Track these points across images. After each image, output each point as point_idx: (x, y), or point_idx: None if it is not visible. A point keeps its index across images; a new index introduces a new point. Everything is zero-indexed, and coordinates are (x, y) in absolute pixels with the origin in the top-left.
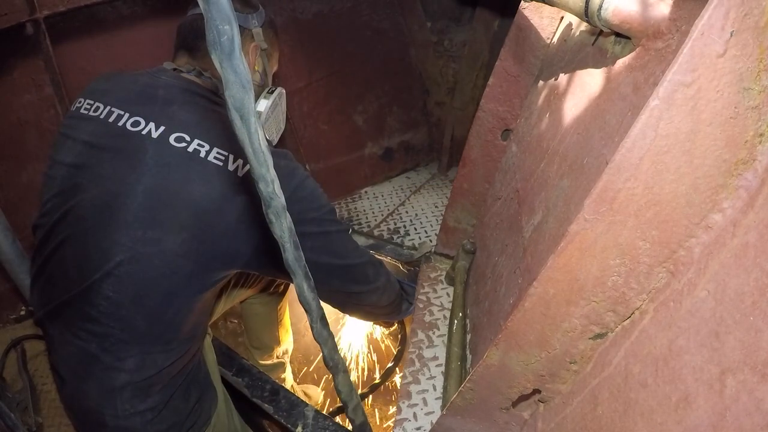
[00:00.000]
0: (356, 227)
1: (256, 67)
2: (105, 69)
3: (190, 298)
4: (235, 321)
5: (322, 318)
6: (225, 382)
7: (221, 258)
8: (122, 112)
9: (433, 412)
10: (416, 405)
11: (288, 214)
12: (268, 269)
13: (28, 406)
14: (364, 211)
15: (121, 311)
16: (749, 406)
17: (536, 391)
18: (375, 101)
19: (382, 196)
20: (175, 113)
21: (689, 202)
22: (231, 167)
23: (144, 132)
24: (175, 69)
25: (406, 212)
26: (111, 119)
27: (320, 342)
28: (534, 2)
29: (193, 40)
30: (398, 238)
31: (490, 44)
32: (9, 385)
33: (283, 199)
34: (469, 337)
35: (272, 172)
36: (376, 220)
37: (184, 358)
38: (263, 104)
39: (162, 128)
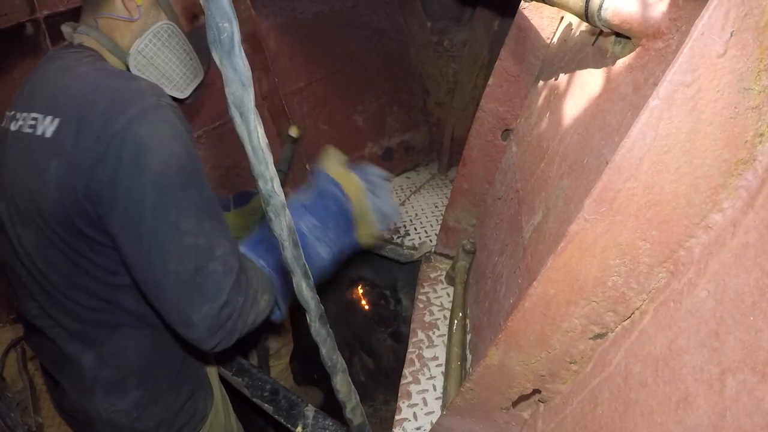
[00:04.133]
0: None
1: (137, 0)
2: None
3: (91, 281)
4: None
5: (321, 317)
6: (224, 381)
7: (73, 232)
8: (9, 117)
9: (433, 412)
10: (416, 405)
11: (287, 212)
12: (118, 235)
13: (28, 406)
14: None
15: (47, 310)
16: (749, 406)
17: (536, 391)
18: (375, 101)
19: None
20: (24, 91)
21: (689, 202)
22: (39, 131)
23: (5, 127)
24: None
25: (406, 212)
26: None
27: (318, 341)
28: (534, 2)
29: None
30: (398, 238)
31: (490, 44)
32: (9, 385)
33: (282, 197)
34: (469, 337)
35: (272, 169)
36: None
37: (150, 346)
38: (135, 45)
39: (13, 117)
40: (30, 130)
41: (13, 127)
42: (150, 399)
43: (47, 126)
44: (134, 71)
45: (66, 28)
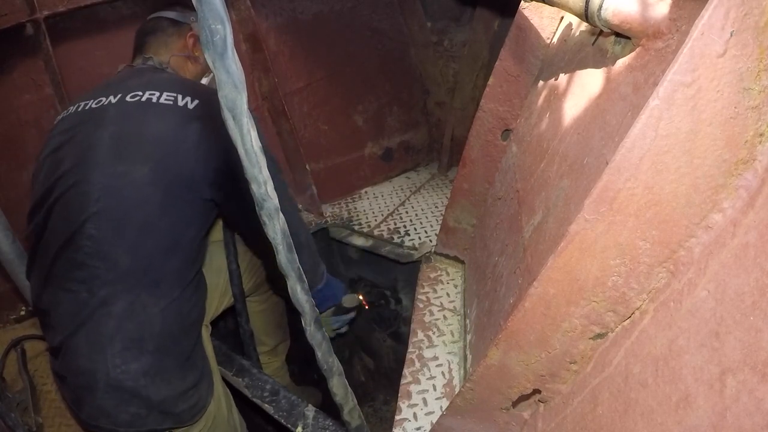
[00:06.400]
0: (356, 227)
1: (196, 52)
2: (105, 69)
3: (167, 230)
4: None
5: (317, 320)
6: (225, 381)
7: (186, 182)
8: (88, 101)
9: (433, 412)
10: (416, 405)
11: (281, 216)
12: (233, 202)
13: (28, 406)
14: (364, 211)
15: (103, 247)
16: (749, 406)
17: (536, 391)
18: (375, 101)
19: (382, 196)
20: (127, 85)
21: (689, 202)
22: (180, 103)
23: (105, 103)
24: (126, 65)
25: (406, 212)
26: (80, 109)
27: (314, 344)
28: (534, 2)
29: (139, 41)
30: (398, 238)
31: (490, 44)
32: (9, 385)
33: (276, 201)
34: (469, 337)
35: (265, 173)
36: (376, 220)
37: (175, 314)
38: (204, 81)
39: (119, 95)
40: (169, 102)
41: (130, 98)
42: (158, 371)
43: (188, 102)
44: None
45: (156, 59)
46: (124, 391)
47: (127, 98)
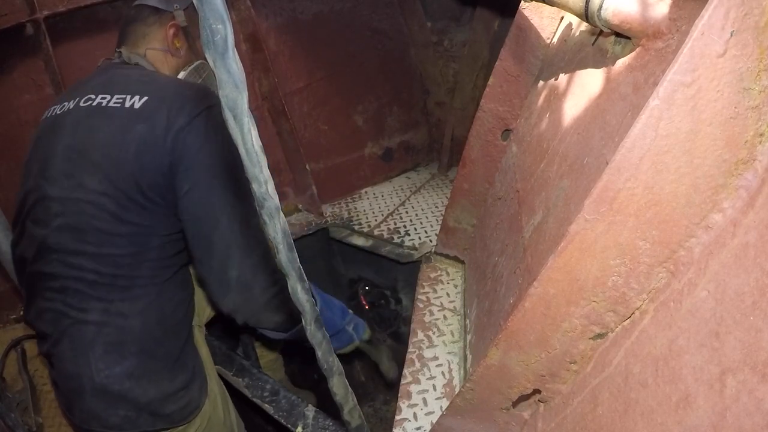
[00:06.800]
0: (356, 227)
1: (176, 44)
2: None
3: (128, 238)
4: None
5: (317, 320)
6: (225, 381)
7: (137, 189)
8: (56, 106)
9: (433, 412)
10: (416, 405)
11: (281, 216)
12: (189, 213)
13: (28, 406)
14: (364, 211)
15: (68, 259)
16: (749, 406)
17: (536, 391)
18: (375, 101)
19: (382, 196)
20: (90, 84)
21: (689, 202)
22: (128, 104)
23: (65, 109)
24: (105, 59)
25: (406, 212)
26: (50, 114)
27: (314, 344)
28: (534, 2)
29: (120, 30)
30: (398, 238)
31: (490, 44)
32: (9, 385)
33: (277, 201)
34: (469, 337)
35: (266, 172)
36: (376, 220)
37: (157, 315)
38: (182, 75)
39: (77, 99)
40: (117, 105)
41: (83, 103)
42: (143, 373)
43: (135, 102)
44: None
45: (126, 52)
46: (110, 394)
47: (81, 103)
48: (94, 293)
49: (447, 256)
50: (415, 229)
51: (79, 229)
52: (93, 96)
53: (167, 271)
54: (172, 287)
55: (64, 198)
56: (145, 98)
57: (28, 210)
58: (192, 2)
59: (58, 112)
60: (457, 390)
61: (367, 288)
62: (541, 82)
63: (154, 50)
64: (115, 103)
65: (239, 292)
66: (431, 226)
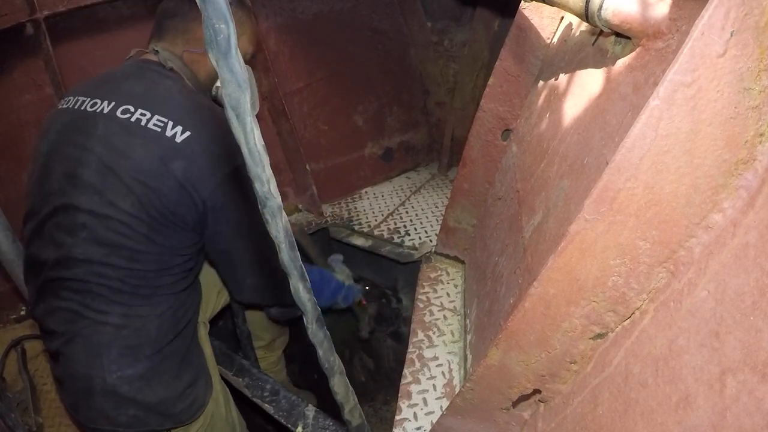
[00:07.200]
0: (356, 227)
1: None
2: (105, 69)
3: (156, 256)
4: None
5: (318, 319)
6: (225, 381)
7: (170, 216)
8: (86, 98)
9: (433, 412)
10: (416, 405)
11: (284, 214)
12: (217, 243)
13: (28, 406)
14: (364, 211)
15: (94, 269)
16: (749, 406)
17: (536, 391)
18: (375, 101)
19: (382, 196)
20: (125, 88)
21: (689, 202)
22: (169, 134)
23: (98, 110)
24: (139, 51)
25: (406, 212)
26: (77, 106)
27: (316, 343)
28: (534, 2)
29: (156, 22)
30: (398, 238)
31: (490, 44)
32: (9, 385)
33: (279, 200)
34: (469, 337)
35: (268, 171)
36: (376, 220)
37: (171, 319)
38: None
39: (112, 104)
40: (158, 130)
41: (121, 114)
42: (154, 375)
43: (177, 134)
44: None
45: (162, 52)
46: (120, 396)
47: (118, 113)
48: (117, 298)
49: (447, 256)
50: (415, 229)
51: (109, 244)
52: (131, 109)
53: (185, 282)
54: (188, 292)
55: (94, 212)
56: (187, 134)
57: (51, 213)
58: (236, 1)
59: (89, 109)
60: (457, 390)
61: (367, 288)
62: (541, 82)
63: (192, 53)
64: (154, 126)
65: (255, 291)
66: (431, 226)
